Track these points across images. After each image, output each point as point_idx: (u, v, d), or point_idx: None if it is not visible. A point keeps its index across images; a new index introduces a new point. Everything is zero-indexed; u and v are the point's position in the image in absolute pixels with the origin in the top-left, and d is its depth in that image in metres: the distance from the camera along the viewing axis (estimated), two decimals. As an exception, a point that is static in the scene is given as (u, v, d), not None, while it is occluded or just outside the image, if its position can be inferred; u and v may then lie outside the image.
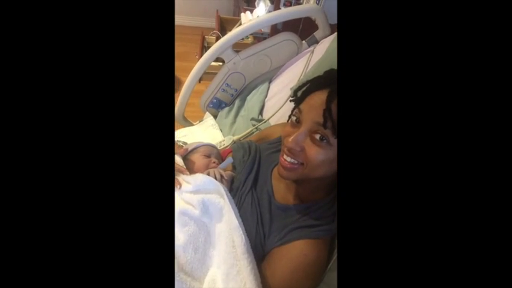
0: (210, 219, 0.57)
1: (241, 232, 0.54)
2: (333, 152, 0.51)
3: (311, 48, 1.06)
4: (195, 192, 0.58)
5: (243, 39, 2.22)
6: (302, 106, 0.54)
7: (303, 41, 1.09)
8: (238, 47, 1.14)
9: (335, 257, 0.58)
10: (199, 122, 1.20)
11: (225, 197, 0.57)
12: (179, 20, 2.99)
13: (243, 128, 1.02)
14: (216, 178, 0.59)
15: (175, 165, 0.62)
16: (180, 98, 1.12)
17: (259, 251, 0.57)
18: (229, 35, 1.01)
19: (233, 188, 0.64)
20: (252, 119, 1.01)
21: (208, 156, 0.69)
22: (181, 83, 1.11)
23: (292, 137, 0.52)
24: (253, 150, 0.72)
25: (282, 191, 0.64)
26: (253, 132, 0.98)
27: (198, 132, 1.11)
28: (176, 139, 0.98)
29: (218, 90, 1.11)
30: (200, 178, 0.59)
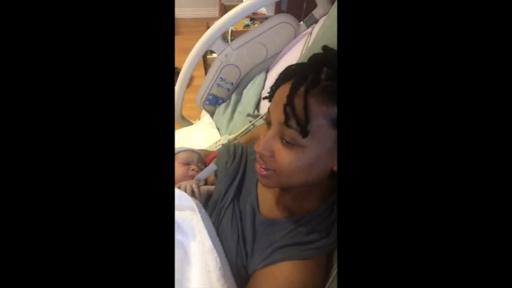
0: (185, 237, 0.51)
1: (215, 255, 0.47)
2: (309, 155, 0.42)
3: (309, 29, 0.94)
4: None
5: (248, 26, 2.10)
6: (270, 105, 0.45)
7: (301, 22, 0.97)
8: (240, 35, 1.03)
9: (331, 277, 0.49)
10: (198, 120, 1.14)
11: (197, 214, 0.50)
12: (182, 13, 2.92)
13: (240, 126, 0.95)
14: (186, 192, 0.53)
15: None
16: (175, 97, 1.07)
17: (242, 273, 0.50)
18: (217, 23, 0.92)
19: (211, 202, 0.57)
20: (248, 114, 0.93)
21: (187, 164, 0.62)
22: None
23: (260, 141, 0.45)
24: (238, 155, 0.64)
25: (268, 203, 0.56)
26: (249, 130, 0.89)
27: (195, 133, 1.05)
28: None
29: (212, 85, 1.04)
30: None
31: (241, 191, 0.58)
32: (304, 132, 0.41)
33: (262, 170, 0.47)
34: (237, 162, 0.62)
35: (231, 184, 0.58)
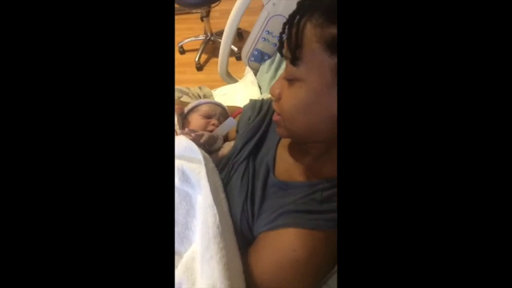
0: (192, 189, 0.49)
1: (214, 211, 0.44)
2: (307, 90, 0.39)
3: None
4: (176, 157, 0.50)
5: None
6: None
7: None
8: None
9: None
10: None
11: (203, 167, 0.47)
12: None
13: (281, 84, 0.87)
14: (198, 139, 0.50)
15: None
16: (220, 54, 1.03)
17: (247, 233, 0.47)
18: (264, -34, 0.82)
19: (225, 157, 0.53)
20: (291, 71, 0.84)
21: (208, 117, 0.59)
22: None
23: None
24: (263, 111, 0.58)
25: (286, 165, 0.50)
26: (290, 88, 0.81)
27: (238, 90, 1.01)
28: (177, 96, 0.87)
29: (258, 39, 0.96)
30: (182, 142, 0.50)
31: (259, 149, 0.54)
32: (294, 58, 0.38)
33: (275, 115, 0.46)
34: (260, 119, 0.56)
35: (249, 140, 0.54)
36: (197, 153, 0.49)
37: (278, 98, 0.44)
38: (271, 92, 0.46)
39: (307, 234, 0.41)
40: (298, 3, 0.41)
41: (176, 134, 0.53)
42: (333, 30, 0.35)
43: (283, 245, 0.42)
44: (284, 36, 0.41)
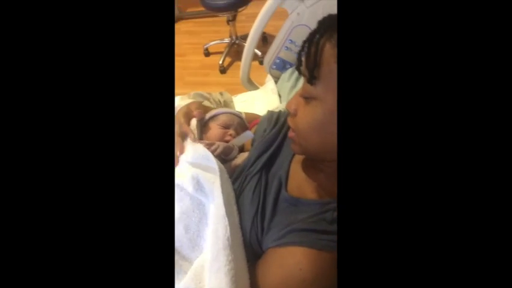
0: (206, 198, 0.51)
1: (226, 223, 0.45)
2: (323, 109, 0.39)
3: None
4: (193, 164, 0.51)
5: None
6: None
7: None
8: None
9: None
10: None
11: (218, 178, 0.48)
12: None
13: (301, 94, 0.87)
14: (214, 151, 0.51)
15: (185, 127, 0.56)
16: (242, 60, 1.04)
17: (256, 247, 0.48)
18: (290, -23, 0.82)
19: (239, 168, 0.54)
20: (311, 82, 0.84)
21: (226, 127, 0.60)
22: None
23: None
24: (279, 124, 0.58)
25: (299, 180, 0.50)
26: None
27: (258, 98, 1.02)
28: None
29: (281, 48, 0.97)
30: (200, 151, 0.52)
31: (273, 163, 0.54)
32: (311, 77, 0.38)
33: (291, 131, 0.46)
34: (275, 131, 0.57)
35: (264, 153, 0.54)
36: (213, 163, 0.50)
37: (294, 114, 0.44)
38: (287, 108, 0.46)
39: (315, 255, 0.41)
40: (319, 22, 0.41)
41: (193, 140, 0.54)
42: None
43: (290, 263, 0.42)
44: (303, 54, 0.41)
